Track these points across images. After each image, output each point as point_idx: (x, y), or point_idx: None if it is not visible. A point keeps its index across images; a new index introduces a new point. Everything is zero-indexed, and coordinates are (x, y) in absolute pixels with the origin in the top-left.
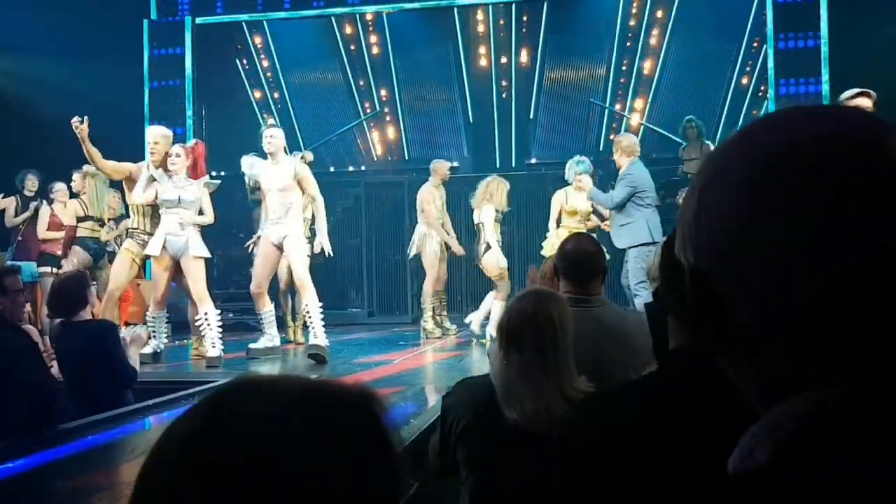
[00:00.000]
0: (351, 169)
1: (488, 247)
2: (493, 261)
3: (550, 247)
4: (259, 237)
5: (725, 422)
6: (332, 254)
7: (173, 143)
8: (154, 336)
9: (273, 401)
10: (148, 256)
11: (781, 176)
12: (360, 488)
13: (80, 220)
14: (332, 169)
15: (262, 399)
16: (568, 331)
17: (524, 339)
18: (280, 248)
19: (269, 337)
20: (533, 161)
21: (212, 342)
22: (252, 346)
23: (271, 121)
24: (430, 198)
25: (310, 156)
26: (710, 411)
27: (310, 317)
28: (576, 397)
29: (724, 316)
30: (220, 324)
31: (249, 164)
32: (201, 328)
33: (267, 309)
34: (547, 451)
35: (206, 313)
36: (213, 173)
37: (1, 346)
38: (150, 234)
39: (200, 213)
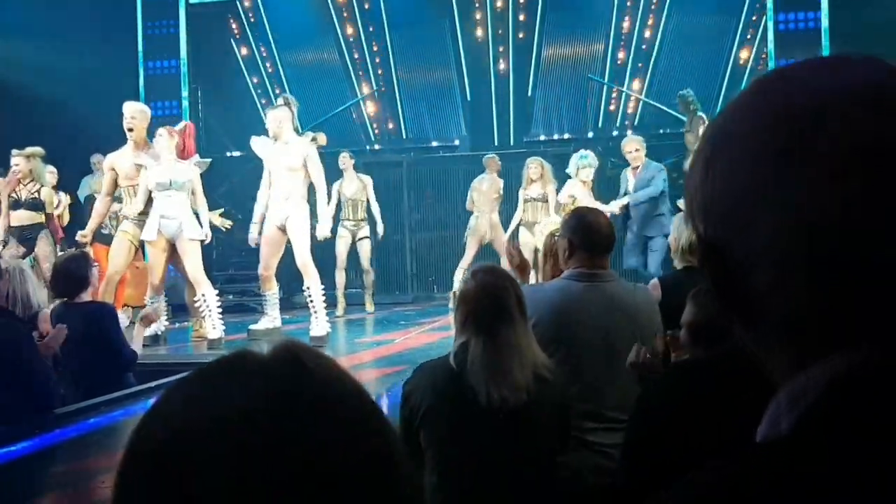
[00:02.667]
0: (349, 149)
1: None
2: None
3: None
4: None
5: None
6: (328, 236)
7: (173, 125)
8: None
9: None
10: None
11: (799, 135)
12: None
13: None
14: (328, 149)
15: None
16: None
17: (511, 312)
18: (283, 229)
19: (271, 318)
20: (531, 138)
21: (212, 324)
22: (253, 327)
23: (281, 100)
24: (476, 185)
25: (323, 139)
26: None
27: (311, 300)
28: (538, 369)
29: (737, 284)
30: (220, 305)
31: (260, 144)
32: (201, 310)
33: (272, 292)
34: (519, 421)
35: (203, 295)
36: (209, 158)
37: (4, 329)
38: (145, 215)
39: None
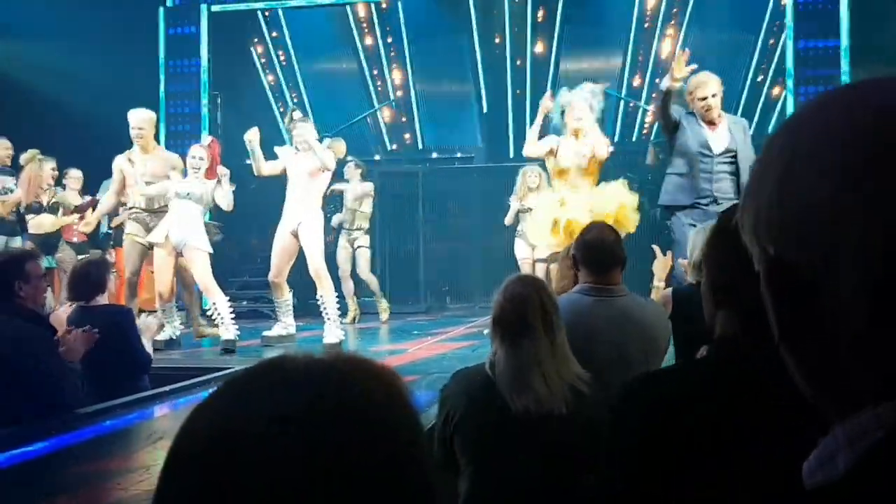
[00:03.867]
0: (365, 158)
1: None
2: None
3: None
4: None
5: (779, 412)
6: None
7: (193, 131)
8: (168, 323)
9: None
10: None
11: (883, 153)
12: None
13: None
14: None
15: (283, 391)
16: (560, 315)
17: (534, 324)
18: (296, 235)
19: (284, 325)
20: None
21: (226, 328)
22: (266, 333)
23: (297, 113)
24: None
25: (342, 148)
26: (763, 400)
27: (325, 307)
28: (575, 382)
29: (803, 306)
30: (233, 311)
31: (284, 153)
32: (214, 319)
33: (284, 297)
34: (553, 432)
35: (214, 304)
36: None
37: (19, 335)
38: (147, 213)
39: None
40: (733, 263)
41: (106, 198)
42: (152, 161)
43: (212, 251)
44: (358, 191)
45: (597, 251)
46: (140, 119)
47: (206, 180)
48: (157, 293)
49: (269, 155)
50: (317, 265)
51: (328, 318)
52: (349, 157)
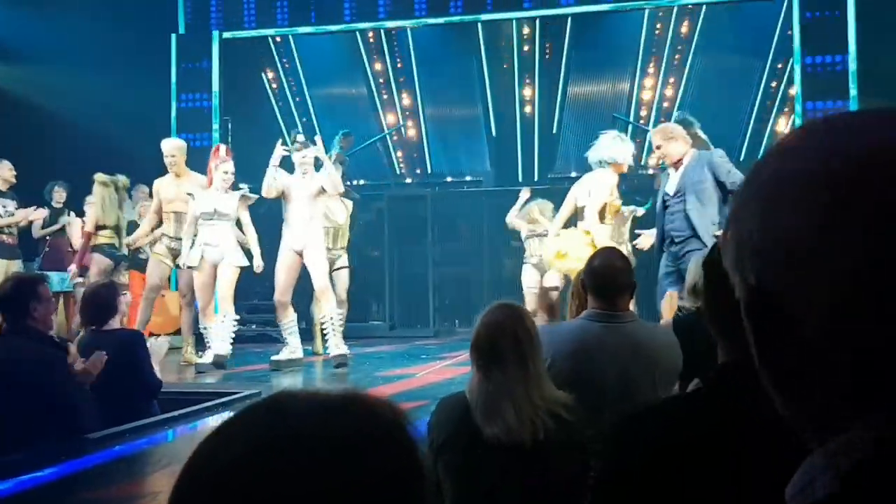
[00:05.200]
0: (373, 182)
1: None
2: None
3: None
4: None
5: (780, 441)
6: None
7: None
8: (208, 345)
9: (311, 426)
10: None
11: (866, 184)
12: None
13: (97, 228)
14: (354, 182)
15: (300, 422)
16: (540, 341)
17: (504, 353)
18: (301, 254)
19: (292, 348)
20: (556, 174)
21: (223, 342)
22: (274, 357)
23: (300, 138)
24: None
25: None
26: (765, 429)
27: (332, 324)
28: (555, 408)
29: (785, 336)
30: (235, 330)
31: (285, 177)
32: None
33: (289, 319)
34: (530, 460)
35: (224, 315)
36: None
37: (34, 358)
38: (176, 240)
39: (238, 225)
40: (728, 293)
41: (146, 221)
42: (184, 187)
43: (247, 264)
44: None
45: (604, 277)
46: (172, 147)
47: (233, 196)
48: (200, 310)
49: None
50: (322, 284)
51: (334, 332)
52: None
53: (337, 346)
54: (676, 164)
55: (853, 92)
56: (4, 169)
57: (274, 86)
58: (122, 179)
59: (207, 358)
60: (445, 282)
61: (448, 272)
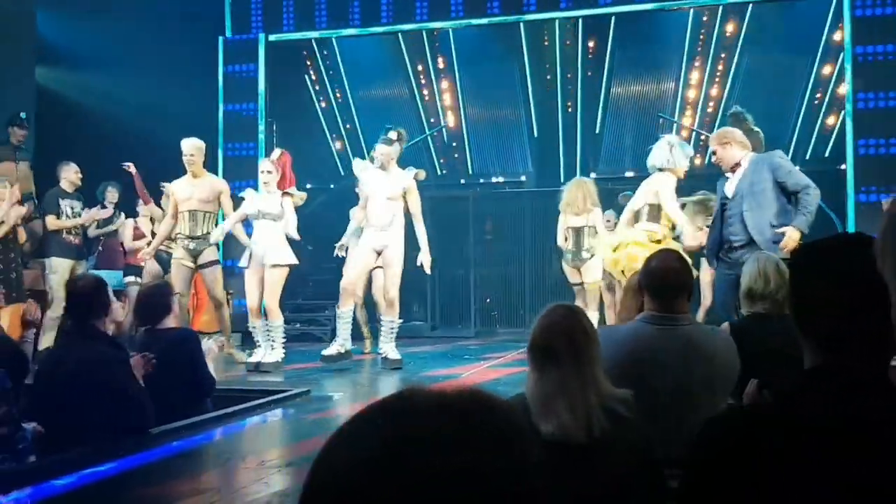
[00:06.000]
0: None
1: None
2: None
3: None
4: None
5: (872, 443)
6: (429, 271)
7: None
8: (258, 345)
9: (443, 422)
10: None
11: None
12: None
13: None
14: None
15: (431, 421)
16: (597, 341)
17: (560, 352)
18: (379, 253)
19: (341, 341)
20: (598, 175)
21: (271, 346)
22: (325, 352)
23: (394, 134)
24: None
25: (423, 174)
26: (856, 433)
27: (392, 329)
28: (612, 405)
29: None
30: (285, 337)
31: (362, 168)
32: (266, 337)
33: (348, 308)
34: (584, 458)
35: (273, 324)
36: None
37: (97, 357)
38: (191, 239)
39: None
40: (819, 296)
41: (164, 224)
42: (200, 187)
43: (296, 262)
44: None
45: (660, 279)
46: (191, 146)
47: (278, 196)
48: (249, 309)
49: (320, 180)
50: (394, 293)
51: (392, 338)
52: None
53: (393, 350)
54: (734, 168)
55: None
56: (70, 171)
57: (317, 87)
58: None
59: (256, 357)
60: (487, 282)
61: (489, 273)
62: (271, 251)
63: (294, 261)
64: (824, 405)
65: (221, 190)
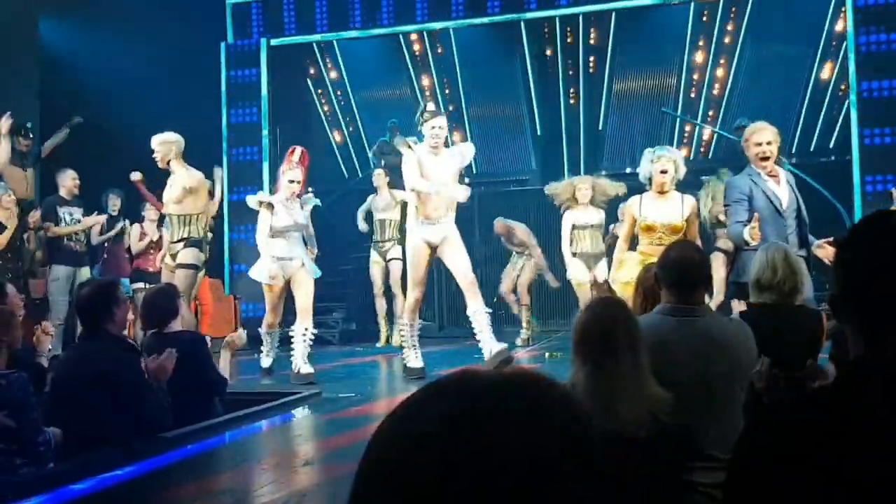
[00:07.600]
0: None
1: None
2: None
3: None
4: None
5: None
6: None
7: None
8: (269, 352)
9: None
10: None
11: None
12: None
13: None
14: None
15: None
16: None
17: (617, 345)
18: (434, 249)
19: (415, 355)
20: (602, 172)
21: (303, 358)
22: (410, 365)
23: (431, 105)
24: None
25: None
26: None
27: (484, 319)
28: (659, 399)
29: None
30: (286, 332)
31: (407, 144)
32: (295, 341)
33: (418, 323)
34: (637, 453)
35: (305, 328)
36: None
37: (111, 360)
38: (174, 244)
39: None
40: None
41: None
42: (172, 186)
43: (319, 274)
44: (387, 199)
45: (678, 271)
46: (153, 142)
47: (299, 206)
48: (265, 321)
49: (324, 183)
50: (471, 276)
51: (489, 332)
52: (379, 168)
53: (492, 340)
54: (773, 175)
55: None
56: (67, 178)
57: (319, 90)
58: None
59: (265, 363)
60: (492, 281)
61: (495, 271)
62: (308, 262)
63: (318, 273)
64: (885, 394)
65: (185, 186)
